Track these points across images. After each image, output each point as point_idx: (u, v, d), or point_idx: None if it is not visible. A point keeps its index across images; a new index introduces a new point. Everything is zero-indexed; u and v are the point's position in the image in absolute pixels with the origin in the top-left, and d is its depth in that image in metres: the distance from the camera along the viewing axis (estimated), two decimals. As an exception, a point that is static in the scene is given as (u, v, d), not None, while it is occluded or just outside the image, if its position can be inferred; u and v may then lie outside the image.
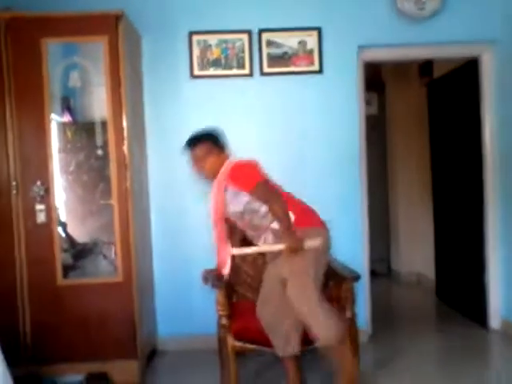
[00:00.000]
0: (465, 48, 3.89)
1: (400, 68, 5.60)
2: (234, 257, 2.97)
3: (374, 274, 5.48)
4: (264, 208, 2.77)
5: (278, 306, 2.65)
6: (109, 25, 3.11)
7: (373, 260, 5.14)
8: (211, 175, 2.88)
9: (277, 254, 2.75)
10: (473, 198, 4.11)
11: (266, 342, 2.71)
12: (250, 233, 2.91)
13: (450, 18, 3.74)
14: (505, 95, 3.82)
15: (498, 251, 3.94)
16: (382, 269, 6.01)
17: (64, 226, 3.40)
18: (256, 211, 2.80)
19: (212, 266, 3.13)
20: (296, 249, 2.65)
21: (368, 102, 5.60)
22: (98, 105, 3.35)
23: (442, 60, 4.54)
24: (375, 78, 5.81)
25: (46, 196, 3.14)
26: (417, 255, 5.65)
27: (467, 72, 4.11)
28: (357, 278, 2.84)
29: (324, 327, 2.57)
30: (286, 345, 2.64)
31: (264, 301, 2.73)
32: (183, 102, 3.74)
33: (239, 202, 2.80)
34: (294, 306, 2.59)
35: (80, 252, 3.42)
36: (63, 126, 3.52)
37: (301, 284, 2.62)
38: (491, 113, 3.92)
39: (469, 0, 3.76)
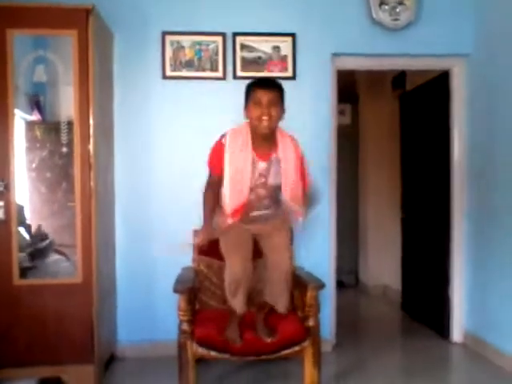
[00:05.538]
0: (437, 60, 3.91)
1: (374, 80, 5.64)
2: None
3: (342, 285, 5.49)
4: None
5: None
6: (78, 18, 3.03)
7: (341, 271, 5.16)
8: (272, 127, 2.66)
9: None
10: (440, 211, 4.13)
11: (229, 350, 2.68)
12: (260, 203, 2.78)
13: (423, 30, 3.76)
14: (475, 108, 3.85)
15: (463, 265, 3.95)
16: (350, 280, 6.02)
17: (25, 224, 3.29)
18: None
19: (176, 273, 3.07)
20: None
21: (342, 112, 5.63)
22: (66, 102, 3.25)
23: (414, 71, 4.58)
24: (349, 89, 5.84)
25: (6, 192, 3.03)
26: (384, 268, 5.65)
27: (439, 85, 4.15)
28: (321, 286, 2.82)
29: None
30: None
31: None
32: (154, 102, 3.67)
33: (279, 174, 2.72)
34: (280, 251, 2.78)
35: (40, 251, 3.31)
36: (32, 125, 3.41)
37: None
38: (461, 126, 3.95)
39: (443, 13, 3.79)
